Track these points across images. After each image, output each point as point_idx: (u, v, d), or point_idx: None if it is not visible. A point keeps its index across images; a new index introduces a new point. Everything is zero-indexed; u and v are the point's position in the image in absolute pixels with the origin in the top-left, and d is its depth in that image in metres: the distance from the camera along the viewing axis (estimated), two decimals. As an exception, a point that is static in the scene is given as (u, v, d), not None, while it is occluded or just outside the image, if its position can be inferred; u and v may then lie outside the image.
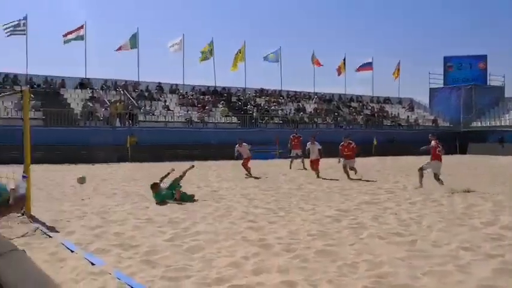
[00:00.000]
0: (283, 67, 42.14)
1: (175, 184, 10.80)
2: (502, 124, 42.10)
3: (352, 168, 16.44)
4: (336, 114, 39.99)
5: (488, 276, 4.90)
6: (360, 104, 44.41)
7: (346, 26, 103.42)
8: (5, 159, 17.68)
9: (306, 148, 18.19)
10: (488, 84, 49.13)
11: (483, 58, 49.82)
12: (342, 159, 16.64)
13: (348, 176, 16.10)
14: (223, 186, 13.90)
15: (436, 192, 12.10)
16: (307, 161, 19.00)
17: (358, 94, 46.56)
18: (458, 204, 10.16)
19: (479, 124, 44.45)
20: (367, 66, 45.84)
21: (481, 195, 11.67)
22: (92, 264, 5.38)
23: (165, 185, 10.80)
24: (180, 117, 32.39)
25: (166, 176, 11.23)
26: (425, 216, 8.63)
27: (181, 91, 36.79)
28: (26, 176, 2.80)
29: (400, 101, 48.29)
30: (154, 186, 10.46)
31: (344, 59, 44.40)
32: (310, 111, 39.37)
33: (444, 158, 14.01)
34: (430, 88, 50.76)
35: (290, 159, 21.86)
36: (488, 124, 43.81)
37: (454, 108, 46.52)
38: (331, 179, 15.85)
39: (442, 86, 50.38)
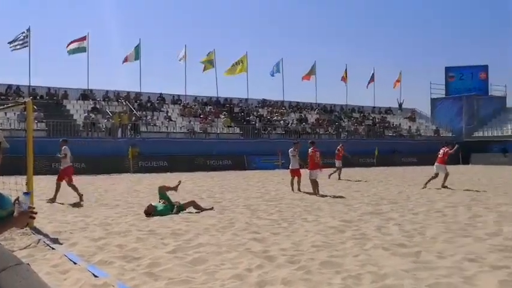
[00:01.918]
0: (285, 78, 42.29)
1: (164, 194, 10.71)
2: (504, 134, 42.01)
3: (314, 183, 14.48)
4: (337, 124, 40.02)
5: (495, 288, 4.86)
6: (362, 115, 44.46)
7: (347, 36, 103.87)
8: (9, 170, 17.69)
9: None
10: (489, 94, 49.11)
11: (484, 68, 49.88)
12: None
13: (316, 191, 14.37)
14: (226, 197, 13.86)
15: (439, 203, 12.10)
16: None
17: (360, 105, 46.68)
18: (462, 214, 10.12)
19: (481, 134, 44.43)
20: (371, 79, 46.08)
21: (485, 205, 11.64)
22: (95, 276, 5.35)
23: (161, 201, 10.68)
24: (182, 128, 32.46)
25: (171, 188, 11.26)
26: (429, 227, 8.58)
27: (183, 102, 36.92)
28: (28, 193, 2.76)
29: (401, 110, 48.37)
30: (149, 211, 10.09)
31: (346, 70, 44.65)
32: (312, 122, 39.42)
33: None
34: (431, 98, 50.79)
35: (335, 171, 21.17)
36: (490, 134, 43.77)
37: (456, 118, 46.60)
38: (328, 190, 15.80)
39: (443, 96, 50.42)
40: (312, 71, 43.19)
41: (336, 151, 21.98)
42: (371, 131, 40.46)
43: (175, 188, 11.39)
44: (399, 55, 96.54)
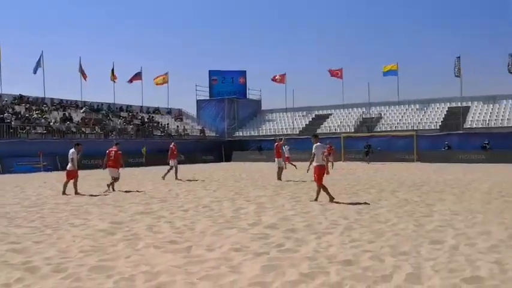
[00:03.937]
0: (46, 73, 39.16)
1: None
2: (260, 134, 46.84)
3: (115, 180, 15.67)
4: (104, 123, 38.79)
5: (258, 273, 5.31)
6: (130, 114, 44.03)
7: (114, 33, 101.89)
8: None
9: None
10: (247, 97, 53.91)
11: (243, 73, 54.49)
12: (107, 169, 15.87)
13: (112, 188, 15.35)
14: (-25, 205, 12.12)
15: (206, 198, 12.76)
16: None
17: (128, 104, 46.12)
18: (227, 208, 10.86)
19: (241, 134, 48.58)
20: (137, 76, 45.89)
21: (246, 198, 12.71)
22: None
23: None
24: None
25: None
26: (198, 222, 8.96)
27: None
28: None
29: (169, 111, 49.57)
30: None
31: (113, 68, 43.54)
32: (78, 121, 37.37)
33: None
34: (197, 100, 53.29)
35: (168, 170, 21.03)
36: (248, 134, 48.19)
37: (219, 119, 49.91)
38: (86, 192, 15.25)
39: (208, 98, 53.34)
40: (81, 69, 41.08)
41: (169, 150, 21.38)
42: (140, 131, 40.38)
43: None
44: (167, 56, 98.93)
